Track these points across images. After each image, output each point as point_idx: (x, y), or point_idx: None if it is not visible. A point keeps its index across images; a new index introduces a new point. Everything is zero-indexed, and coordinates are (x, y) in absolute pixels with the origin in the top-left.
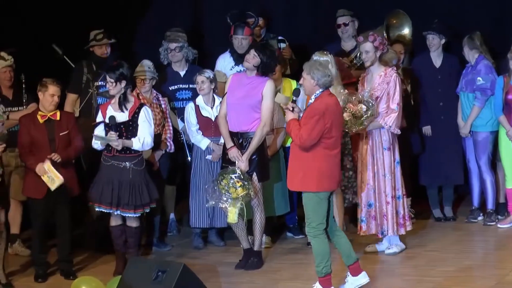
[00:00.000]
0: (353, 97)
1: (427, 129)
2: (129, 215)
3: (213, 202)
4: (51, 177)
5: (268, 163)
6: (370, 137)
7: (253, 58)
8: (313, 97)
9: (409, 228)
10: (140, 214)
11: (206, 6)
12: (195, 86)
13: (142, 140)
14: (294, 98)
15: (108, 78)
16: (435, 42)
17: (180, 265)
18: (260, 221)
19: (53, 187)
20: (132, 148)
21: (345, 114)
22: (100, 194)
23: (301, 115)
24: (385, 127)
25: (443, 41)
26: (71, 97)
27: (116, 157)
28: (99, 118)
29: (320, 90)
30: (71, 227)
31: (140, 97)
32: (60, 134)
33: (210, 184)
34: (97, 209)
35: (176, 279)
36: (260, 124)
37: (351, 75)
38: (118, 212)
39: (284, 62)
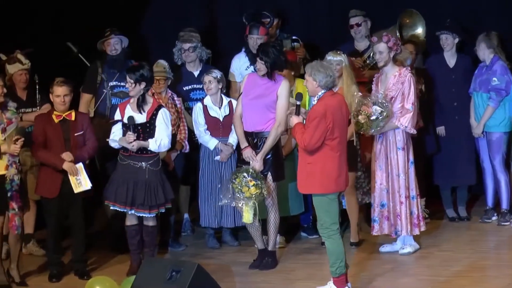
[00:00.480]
0: (367, 99)
1: (441, 130)
2: (144, 215)
3: (226, 201)
4: (80, 180)
5: (283, 163)
6: (384, 137)
7: (260, 67)
8: (315, 98)
9: (423, 228)
10: (155, 215)
11: (220, 6)
12: None
13: (159, 141)
14: (297, 103)
15: (128, 79)
16: (448, 42)
17: (194, 265)
18: (275, 221)
19: (77, 190)
20: (149, 149)
21: (360, 117)
22: (115, 193)
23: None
24: (401, 127)
25: (456, 40)
26: (85, 97)
27: (132, 156)
28: (117, 116)
29: (323, 91)
30: (85, 227)
31: (156, 97)
32: (75, 134)
33: (223, 182)
34: (111, 208)
35: (190, 279)
36: (275, 124)
37: (362, 74)
38: (133, 211)
39: (293, 65)
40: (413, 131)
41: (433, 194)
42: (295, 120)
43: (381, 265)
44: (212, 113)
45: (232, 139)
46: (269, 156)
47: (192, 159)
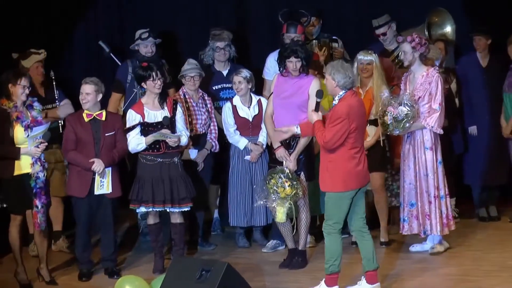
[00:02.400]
0: (394, 100)
1: (473, 129)
2: (186, 209)
3: (262, 202)
4: (103, 183)
5: (314, 162)
6: (412, 137)
7: (296, 65)
8: (336, 98)
9: (452, 227)
10: (188, 208)
11: (250, 6)
12: None
13: (185, 134)
14: (317, 100)
15: (159, 75)
16: (481, 43)
17: (224, 264)
18: (306, 221)
19: (98, 191)
20: (181, 143)
21: (385, 118)
22: (152, 194)
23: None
24: (427, 127)
25: (489, 41)
26: (115, 97)
27: (163, 154)
28: (136, 120)
29: (343, 91)
30: (114, 226)
31: (187, 96)
32: (106, 134)
33: (258, 183)
34: (145, 210)
35: (220, 278)
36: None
37: (394, 78)
38: (172, 209)
39: (316, 63)
40: (440, 131)
41: (463, 194)
42: (314, 117)
43: (411, 264)
44: (241, 113)
45: (262, 138)
46: (301, 156)
47: (221, 158)
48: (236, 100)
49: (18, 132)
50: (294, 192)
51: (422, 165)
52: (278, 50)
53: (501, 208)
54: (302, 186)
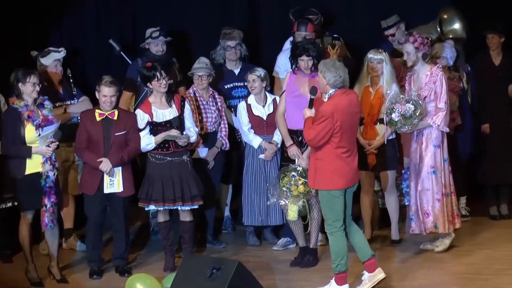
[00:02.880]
0: (401, 97)
1: (485, 128)
2: (195, 207)
3: (275, 200)
4: (113, 182)
5: None
6: (419, 135)
7: (308, 64)
8: (326, 96)
9: (458, 225)
10: (197, 206)
11: (262, 4)
12: None
13: (194, 131)
14: (312, 97)
15: (164, 74)
16: (494, 41)
17: (235, 262)
18: (317, 219)
19: (107, 190)
20: (190, 141)
21: (393, 115)
22: (163, 194)
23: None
24: (434, 126)
25: (502, 39)
26: (126, 95)
27: (173, 153)
28: (144, 119)
29: (333, 90)
30: (126, 224)
31: (197, 94)
32: (116, 134)
33: (271, 181)
34: (156, 208)
35: (231, 276)
36: None
37: (403, 78)
38: (182, 207)
39: None
40: (446, 129)
41: (475, 192)
42: (307, 113)
43: (422, 262)
44: (256, 112)
45: (277, 137)
46: None
47: (232, 157)
48: (251, 98)
49: (29, 131)
50: (307, 190)
51: (427, 162)
52: (288, 48)
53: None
54: None
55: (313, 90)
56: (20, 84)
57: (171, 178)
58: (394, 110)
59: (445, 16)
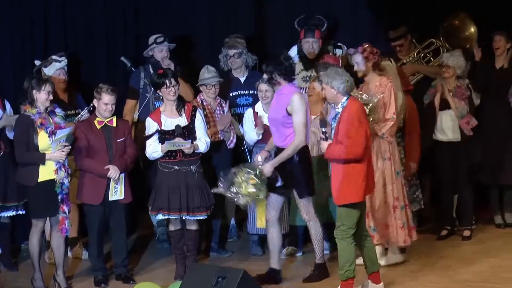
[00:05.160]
0: (363, 96)
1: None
2: (201, 218)
3: (221, 190)
4: (117, 189)
5: (309, 179)
6: (374, 148)
7: (266, 91)
8: (339, 106)
9: (414, 238)
10: (207, 216)
11: (268, 12)
12: (255, 92)
13: (205, 141)
14: (323, 130)
15: (174, 82)
16: (501, 44)
17: (240, 271)
18: (315, 233)
19: (112, 197)
20: (198, 151)
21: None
22: (168, 202)
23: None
24: (379, 134)
25: (509, 44)
26: (130, 103)
27: (181, 162)
28: (153, 128)
29: (345, 98)
30: (126, 232)
31: (205, 103)
32: (118, 140)
33: (226, 171)
34: (162, 217)
35: (236, 285)
36: (294, 139)
37: (408, 83)
38: (188, 217)
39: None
40: (390, 139)
41: (480, 200)
42: (325, 145)
43: (429, 271)
44: (264, 120)
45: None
46: (294, 171)
47: (237, 164)
48: (258, 106)
49: (43, 139)
50: (255, 193)
51: (381, 175)
52: (294, 56)
53: None
54: (266, 193)
55: (323, 123)
56: (34, 91)
57: (178, 187)
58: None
59: (457, 22)
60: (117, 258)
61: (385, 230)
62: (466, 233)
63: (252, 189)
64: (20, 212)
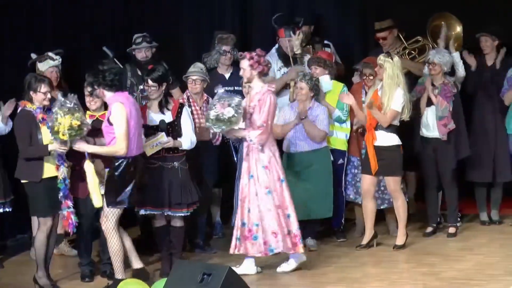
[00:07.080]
0: (226, 100)
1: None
2: (181, 214)
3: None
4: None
5: (118, 189)
6: (248, 155)
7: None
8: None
9: (300, 247)
10: (190, 213)
11: (253, 10)
12: (240, 88)
13: (189, 138)
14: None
15: (150, 83)
16: (488, 44)
17: (226, 268)
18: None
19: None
20: (182, 148)
21: (211, 112)
22: (150, 197)
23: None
24: (247, 138)
25: (496, 42)
26: None
27: (163, 158)
28: None
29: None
30: None
31: (191, 100)
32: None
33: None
34: (143, 213)
35: (221, 282)
36: (115, 145)
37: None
38: (169, 212)
39: (327, 63)
40: (258, 146)
41: (466, 197)
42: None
43: (414, 268)
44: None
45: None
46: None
47: (223, 162)
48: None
49: (46, 133)
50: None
51: (262, 183)
52: (273, 52)
53: (505, 210)
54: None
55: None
56: (31, 92)
57: (161, 183)
58: (212, 107)
59: (442, 22)
60: (104, 254)
61: (274, 237)
62: (451, 230)
63: (67, 123)
64: (7, 209)
